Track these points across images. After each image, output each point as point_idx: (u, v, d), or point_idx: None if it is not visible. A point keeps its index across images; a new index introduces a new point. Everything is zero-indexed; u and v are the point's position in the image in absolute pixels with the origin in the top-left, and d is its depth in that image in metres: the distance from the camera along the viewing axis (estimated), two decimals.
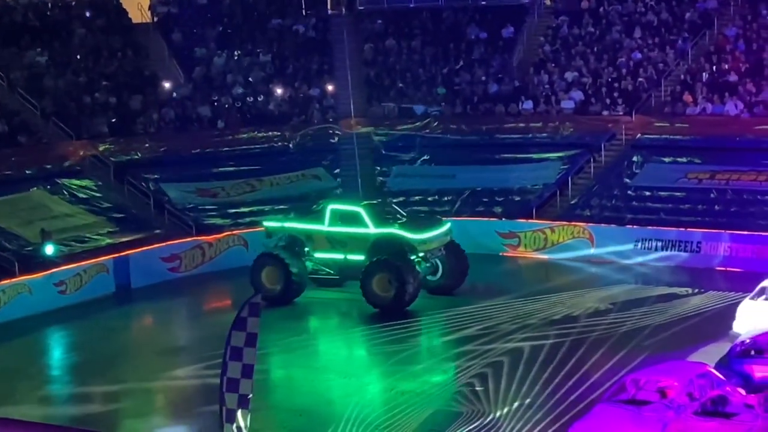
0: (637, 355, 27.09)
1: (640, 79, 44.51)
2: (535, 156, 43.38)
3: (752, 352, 23.79)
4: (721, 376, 22.09)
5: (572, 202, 40.64)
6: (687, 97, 42.52)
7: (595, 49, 46.88)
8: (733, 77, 42.53)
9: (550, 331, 29.70)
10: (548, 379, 25.80)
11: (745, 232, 35.38)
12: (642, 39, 46.49)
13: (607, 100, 44.04)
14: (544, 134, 44.12)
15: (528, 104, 45.39)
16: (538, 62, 47.53)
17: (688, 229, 36.90)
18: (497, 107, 45.70)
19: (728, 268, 35.06)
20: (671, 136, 41.83)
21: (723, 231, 36.13)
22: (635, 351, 27.52)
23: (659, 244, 36.95)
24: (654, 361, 24.33)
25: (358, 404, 24.64)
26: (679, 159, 40.80)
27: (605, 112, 43.71)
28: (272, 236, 34.72)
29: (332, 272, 33.99)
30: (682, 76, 44.04)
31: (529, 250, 39.26)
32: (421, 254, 32.66)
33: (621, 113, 43.23)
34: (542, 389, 25.19)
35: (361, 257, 32.94)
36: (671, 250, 36.72)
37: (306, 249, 33.92)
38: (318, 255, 33.98)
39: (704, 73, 43.62)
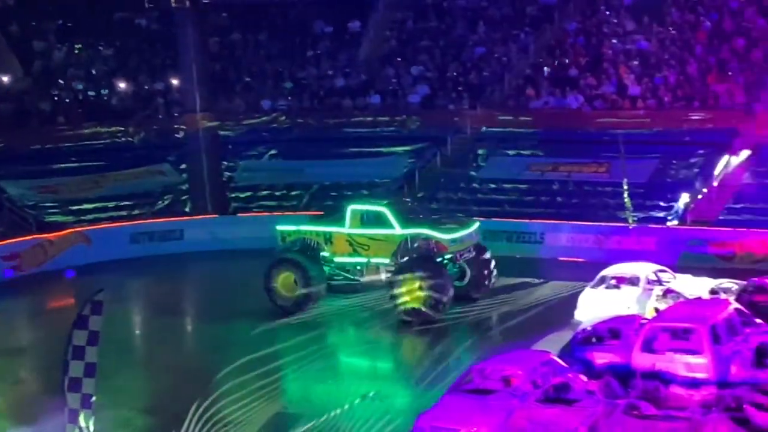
0: (482, 344, 27.42)
1: (485, 73, 45.10)
2: (383, 150, 43.62)
3: (593, 340, 24.26)
4: (563, 364, 22.47)
5: (419, 195, 40.92)
6: (530, 91, 43.25)
7: (441, 43, 47.31)
8: (573, 71, 43.44)
9: (396, 322, 29.79)
10: (395, 369, 25.87)
11: (586, 223, 36.11)
12: (486, 33, 47.12)
13: (453, 94, 44.52)
14: (392, 128, 44.38)
15: (375, 98, 45.58)
16: (385, 56, 47.74)
17: (531, 221, 37.54)
18: (345, 101, 45.77)
19: (570, 258, 35.73)
20: (515, 129, 42.54)
21: (565, 222, 36.84)
22: (481, 341, 27.85)
23: (504, 236, 37.43)
24: (499, 351, 24.58)
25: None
26: (522, 151, 41.51)
27: (451, 106, 44.18)
28: (286, 240, 32.15)
29: (352, 277, 31.74)
30: (525, 70, 44.80)
31: None
32: (448, 256, 30.36)
33: (466, 107, 43.75)
34: (391, 380, 25.22)
35: (385, 260, 30.93)
36: (516, 241, 37.26)
37: (324, 253, 31.48)
38: (338, 259, 31.65)
39: (546, 67, 44.44)
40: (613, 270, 28.82)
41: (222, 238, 39.87)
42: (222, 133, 44.80)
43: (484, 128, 43.14)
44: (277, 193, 42.30)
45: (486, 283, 31.60)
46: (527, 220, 37.64)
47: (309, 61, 48.23)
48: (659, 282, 28.09)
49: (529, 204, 39.07)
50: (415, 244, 30.15)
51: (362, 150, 43.66)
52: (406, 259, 30.06)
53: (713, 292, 27.42)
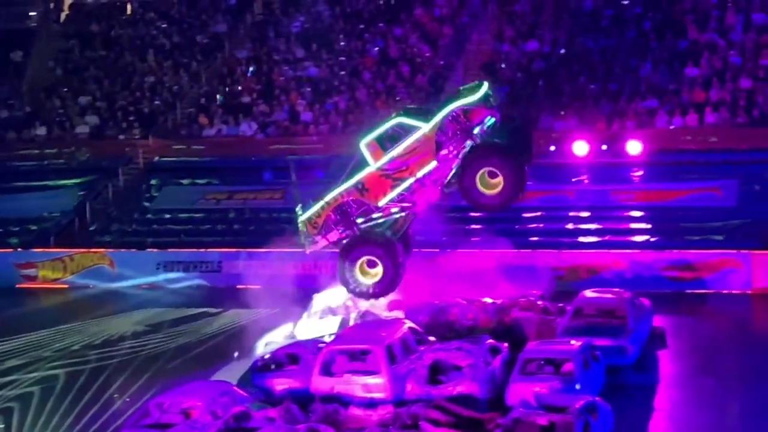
0: (161, 378, 26.74)
1: (156, 102, 44.43)
2: (51, 183, 42.07)
3: (272, 367, 24.16)
4: (243, 393, 22.26)
5: (92, 228, 39.75)
6: (203, 119, 42.93)
7: (109, 72, 46.25)
8: (246, 98, 43.46)
9: (68, 360, 28.68)
10: (68, 409, 24.80)
11: (263, 250, 36.08)
12: (156, 62, 46.45)
13: (123, 124, 43.57)
14: (60, 160, 42.93)
15: (41, 130, 43.97)
16: (50, 86, 46.18)
17: (208, 250, 37.16)
18: (9, 134, 43.94)
19: (249, 286, 35.58)
20: (188, 158, 42.08)
21: (241, 249, 36.68)
22: (159, 374, 27.16)
23: (181, 266, 36.91)
24: (177, 383, 24.02)
25: None
26: (197, 180, 41.10)
27: (121, 136, 43.23)
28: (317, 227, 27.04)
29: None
30: (198, 99, 44.44)
31: (48, 280, 37.94)
32: (491, 120, 26.43)
33: (138, 137, 42.94)
34: (61, 421, 24.15)
35: (432, 164, 25.97)
36: (193, 271, 36.79)
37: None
38: (383, 202, 26.57)
39: (218, 95, 44.26)
40: (322, 296, 28.86)
41: None
42: None
43: (156, 158, 42.43)
44: None
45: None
46: (204, 250, 37.23)
47: None
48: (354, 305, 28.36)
49: (205, 233, 38.69)
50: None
51: (29, 184, 41.98)
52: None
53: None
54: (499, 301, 27.59)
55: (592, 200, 36.47)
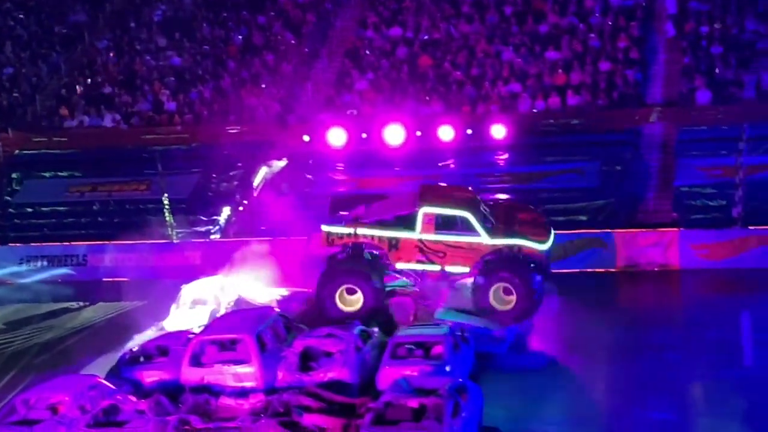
0: (27, 374, 26.19)
1: (15, 95, 43.42)
2: None
3: (141, 359, 23.92)
4: (111, 386, 21.99)
5: None
6: (64, 111, 42.08)
7: None
8: (108, 89, 42.74)
9: None
10: None
11: (129, 242, 35.54)
12: (13, 53, 45.38)
13: None
14: None
15: None
16: None
17: (73, 243, 36.49)
18: None
19: (115, 278, 35.04)
20: (50, 151, 41.19)
21: (107, 242, 36.10)
22: (25, 370, 26.61)
23: (45, 260, 36.19)
24: (44, 379, 23.60)
25: None
26: (60, 173, 40.24)
27: None
28: (333, 243, 27.41)
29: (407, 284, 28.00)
30: (59, 90, 43.55)
31: None
32: None
33: None
34: None
35: (464, 269, 27.06)
36: (58, 265, 36.10)
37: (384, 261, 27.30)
38: (401, 266, 27.38)
39: (79, 86, 43.43)
40: (190, 287, 28.58)
41: None
42: None
43: (17, 151, 41.44)
44: None
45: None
46: (69, 243, 36.54)
47: None
48: (228, 295, 28.19)
49: (70, 226, 37.93)
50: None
51: None
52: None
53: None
54: None
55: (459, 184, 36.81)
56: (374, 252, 27.12)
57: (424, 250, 26.85)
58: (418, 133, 37.30)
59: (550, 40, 40.06)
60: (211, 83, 42.05)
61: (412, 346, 23.04)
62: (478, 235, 26.61)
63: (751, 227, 32.53)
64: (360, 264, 26.99)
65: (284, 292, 28.74)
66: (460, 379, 21.26)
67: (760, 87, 36.93)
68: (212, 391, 22.27)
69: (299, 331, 24.85)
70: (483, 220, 26.99)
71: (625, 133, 37.08)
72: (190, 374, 22.74)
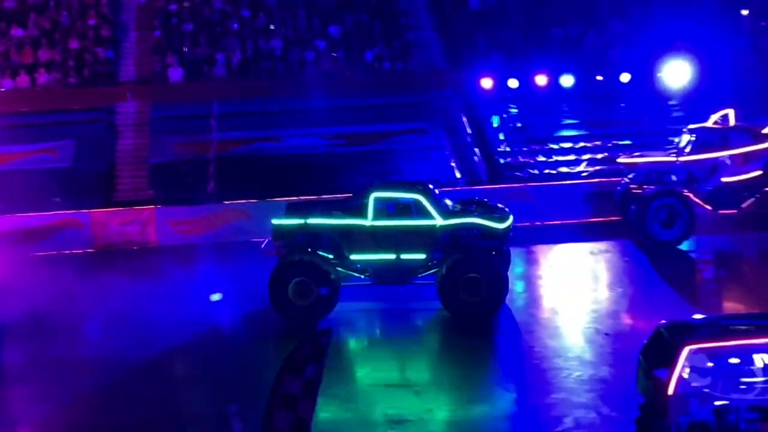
0: None
1: None
2: None
3: None
4: None
5: None
6: None
7: None
8: None
9: None
10: None
11: None
12: None
13: None
14: None
15: None
16: None
17: None
18: None
19: None
20: None
21: None
22: None
23: None
24: None
25: None
26: None
27: None
28: (284, 238, 25.57)
29: (366, 276, 25.93)
30: None
31: None
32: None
33: None
34: None
35: (421, 256, 25.24)
36: None
37: (337, 251, 25.58)
38: (356, 257, 25.47)
39: None
40: None
41: None
42: None
43: None
44: None
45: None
46: None
47: None
48: None
49: None
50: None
51: None
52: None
53: None
54: None
55: None
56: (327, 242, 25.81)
57: (377, 239, 25.61)
58: None
59: (15, 17, 38.66)
60: None
61: None
62: (434, 218, 25.58)
63: (226, 202, 33.39)
64: (312, 256, 25.42)
65: None
66: None
67: (230, 65, 38.00)
68: None
69: None
70: (436, 204, 25.98)
71: (99, 112, 36.76)
72: None
